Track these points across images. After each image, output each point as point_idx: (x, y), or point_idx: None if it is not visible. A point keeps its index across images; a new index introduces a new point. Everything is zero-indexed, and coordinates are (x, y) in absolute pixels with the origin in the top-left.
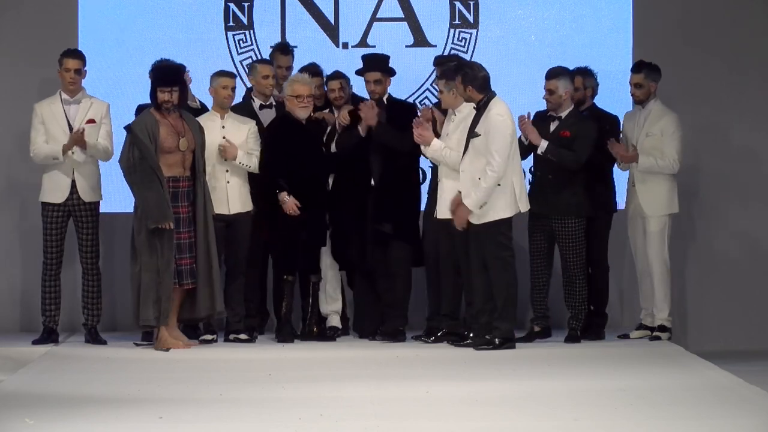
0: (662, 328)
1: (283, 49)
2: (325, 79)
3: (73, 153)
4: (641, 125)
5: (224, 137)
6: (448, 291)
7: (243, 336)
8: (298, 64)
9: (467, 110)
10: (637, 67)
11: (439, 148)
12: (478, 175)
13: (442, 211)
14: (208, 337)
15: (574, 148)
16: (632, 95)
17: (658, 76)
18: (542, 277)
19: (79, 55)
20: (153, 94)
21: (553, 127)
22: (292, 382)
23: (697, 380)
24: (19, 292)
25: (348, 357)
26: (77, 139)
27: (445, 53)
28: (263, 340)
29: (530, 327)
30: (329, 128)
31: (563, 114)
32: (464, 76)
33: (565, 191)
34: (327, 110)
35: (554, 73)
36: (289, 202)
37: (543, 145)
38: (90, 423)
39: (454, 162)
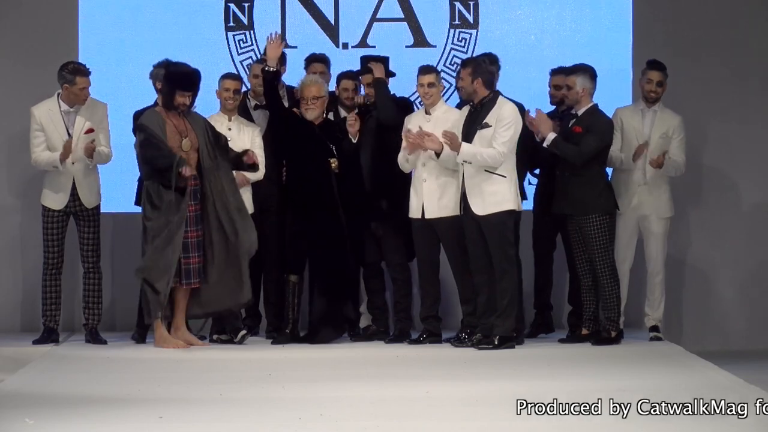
0: (656, 328)
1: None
2: (337, 78)
3: (73, 163)
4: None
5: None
6: (431, 291)
7: (224, 336)
8: (297, 64)
9: (443, 109)
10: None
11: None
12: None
13: (428, 211)
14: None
15: (581, 142)
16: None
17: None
18: (588, 278)
19: (89, 72)
20: (171, 96)
21: (571, 123)
22: (292, 382)
23: (697, 380)
24: (19, 292)
25: (348, 357)
26: (85, 148)
27: (445, 53)
28: (260, 340)
29: (579, 329)
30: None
31: (580, 111)
32: (476, 68)
33: (586, 189)
34: (333, 110)
35: (574, 69)
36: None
37: (550, 137)
38: (90, 423)
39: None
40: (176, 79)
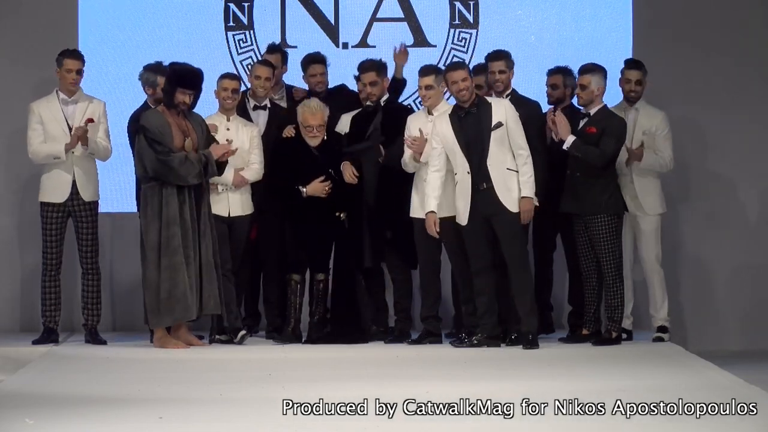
0: (662, 329)
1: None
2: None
3: (74, 152)
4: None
5: (227, 140)
6: (432, 291)
7: (224, 337)
8: (297, 63)
9: (444, 109)
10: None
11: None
12: (506, 166)
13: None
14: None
15: (600, 144)
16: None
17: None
18: (593, 279)
19: (79, 56)
20: (171, 93)
21: (581, 123)
22: (292, 382)
23: (697, 380)
24: (19, 292)
25: (348, 357)
26: (80, 137)
27: (445, 53)
28: (260, 340)
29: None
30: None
31: (592, 111)
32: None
33: (596, 189)
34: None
35: (588, 69)
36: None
37: (569, 140)
38: (90, 423)
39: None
40: (178, 77)
